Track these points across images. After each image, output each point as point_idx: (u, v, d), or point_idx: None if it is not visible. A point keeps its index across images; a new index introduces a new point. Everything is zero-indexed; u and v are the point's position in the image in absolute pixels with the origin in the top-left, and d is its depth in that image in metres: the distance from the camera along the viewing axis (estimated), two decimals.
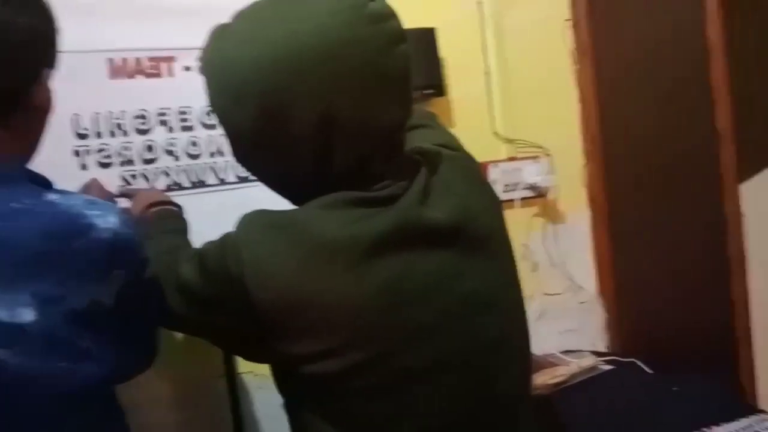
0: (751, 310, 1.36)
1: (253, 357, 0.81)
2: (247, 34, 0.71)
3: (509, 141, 1.64)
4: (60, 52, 0.75)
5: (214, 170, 1.27)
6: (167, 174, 1.23)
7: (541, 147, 1.68)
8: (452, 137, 0.99)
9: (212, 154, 1.27)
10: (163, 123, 1.23)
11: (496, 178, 1.61)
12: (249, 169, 0.82)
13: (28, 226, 0.64)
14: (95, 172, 1.17)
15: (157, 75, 1.23)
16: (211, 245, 0.76)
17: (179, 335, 1.23)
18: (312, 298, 0.69)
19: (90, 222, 0.67)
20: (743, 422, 1.21)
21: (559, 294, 1.71)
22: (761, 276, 1.37)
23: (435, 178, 0.78)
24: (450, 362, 0.74)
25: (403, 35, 0.73)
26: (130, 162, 1.20)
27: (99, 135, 1.18)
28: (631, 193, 1.66)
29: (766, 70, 1.41)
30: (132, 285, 0.71)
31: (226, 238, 0.74)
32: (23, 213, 0.65)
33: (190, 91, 1.23)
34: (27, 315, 0.62)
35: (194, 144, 1.26)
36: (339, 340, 0.70)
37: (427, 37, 1.47)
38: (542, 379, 1.41)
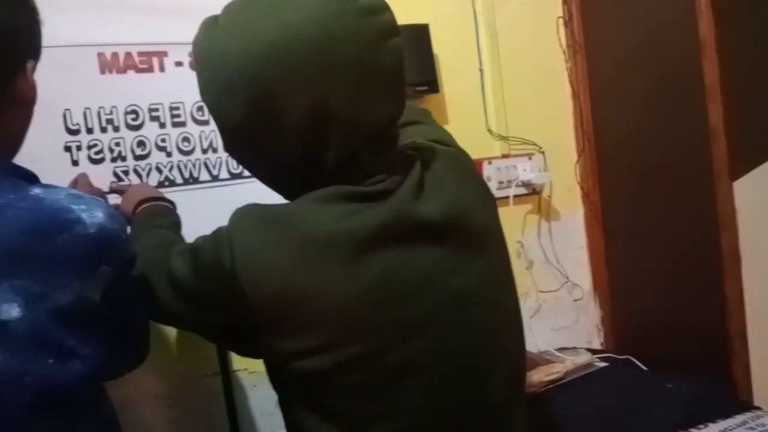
0: (746, 306, 1.37)
1: (245, 352, 0.81)
2: (238, 26, 0.70)
3: (503, 138, 1.64)
4: (43, 44, 0.75)
5: (206, 166, 1.26)
6: (159, 170, 1.22)
7: (534, 144, 1.68)
8: (446, 133, 0.98)
9: (205, 150, 1.26)
10: (155, 118, 1.22)
11: (490, 175, 1.61)
12: (240, 161, 0.81)
13: (11, 221, 0.63)
14: (86, 168, 1.16)
15: (149, 70, 1.22)
16: (203, 240, 0.76)
17: (173, 332, 1.22)
18: (305, 293, 0.69)
19: (76, 217, 0.66)
20: (738, 419, 1.21)
21: (554, 291, 1.70)
22: (755, 273, 1.37)
23: (429, 173, 0.78)
24: (442, 359, 0.74)
25: (395, 28, 0.73)
26: (121, 158, 1.19)
27: (90, 131, 1.17)
28: (624, 190, 1.66)
29: (758, 67, 1.41)
30: (120, 281, 0.70)
31: (218, 233, 0.73)
32: (6, 208, 0.64)
33: (182, 86, 1.22)
34: (12, 311, 0.61)
35: (186, 140, 1.25)
36: (331, 335, 0.70)
37: (420, 33, 1.47)
38: (537, 376, 1.41)
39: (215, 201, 1.25)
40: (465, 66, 1.61)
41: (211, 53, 0.72)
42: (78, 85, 1.16)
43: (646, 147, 1.57)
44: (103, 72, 1.18)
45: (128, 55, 1.20)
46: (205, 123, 1.26)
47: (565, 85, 1.74)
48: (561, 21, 1.72)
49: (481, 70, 1.63)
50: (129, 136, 1.20)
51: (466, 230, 0.77)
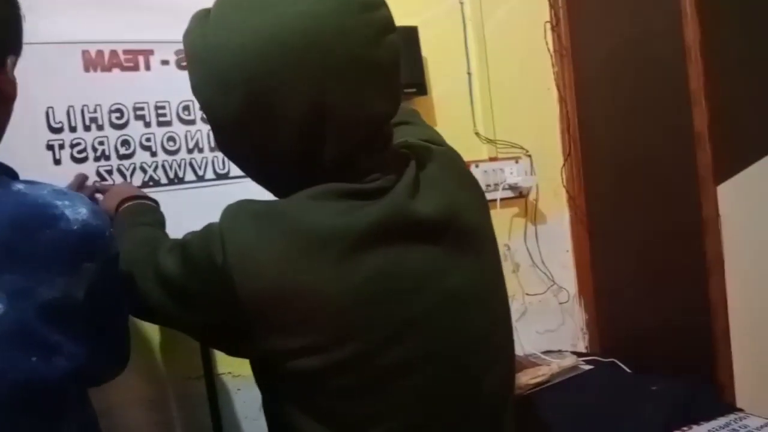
0: (729, 309, 1.38)
1: (234, 351, 0.79)
2: (233, 20, 0.68)
3: (490, 141, 1.64)
4: (27, 41, 0.73)
5: (192, 166, 1.25)
6: (144, 170, 1.20)
7: (521, 147, 1.68)
8: (436, 133, 0.98)
9: (190, 150, 1.25)
10: (140, 117, 1.20)
11: (478, 178, 1.59)
12: (233, 158, 0.80)
13: None
14: (69, 167, 1.14)
15: (134, 68, 1.20)
16: (193, 235, 0.74)
17: (156, 334, 1.20)
18: (299, 290, 0.67)
19: (60, 212, 0.65)
20: (721, 421, 1.22)
21: (540, 294, 1.71)
22: (738, 276, 1.39)
23: (424, 172, 0.77)
24: (434, 359, 0.73)
25: (392, 25, 0.72)
26: (105, 157, 1.17)
27: (73, 129, 1.15)
28: (610, 194, 1.67)
29: (743, 73, 1.43)
30: (104, 279, 0.69)
31: (210, 228, 0.72)
32: None
33: (168, 85, 1.21)
34: None
35: (172, 139, 1.23)
36: (325, 334, 0.69)
37: (409, 35, 1.47)
38: (523, 379, 1.41)
39: (201, 201, 1.23)
40: (453, 69, 1.61)
41: (204, 48, 0.70)
42: (61, 82, 1.14)
43: (631, 151, 1.59)
44: (87, 70, 1.16)
45: (113, 53, 1.18)
46: (191, 123, 1.25)
47: (552, 89, 1.75)
48: (548, 26, 1.73)
49: (469, 74, 1.63)
50: (113, 135, 1.18)
51: (461, 229, 0.77)
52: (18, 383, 0.60)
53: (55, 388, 0.63)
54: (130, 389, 1.17)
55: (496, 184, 1.64)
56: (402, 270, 0.71)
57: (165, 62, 1.22)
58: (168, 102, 1.23)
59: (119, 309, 0.77)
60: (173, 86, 1.21)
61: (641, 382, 1.41)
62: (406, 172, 0.75)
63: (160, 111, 1.22)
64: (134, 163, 1.19)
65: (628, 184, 1.61)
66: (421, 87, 1.50)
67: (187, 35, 0.73)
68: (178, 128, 1.24)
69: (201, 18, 0.72)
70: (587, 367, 1.55)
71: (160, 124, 1.22)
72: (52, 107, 1.13)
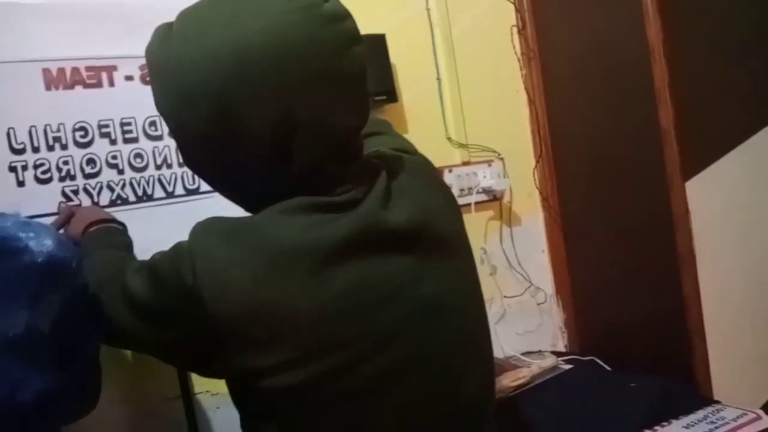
0: (703, 303, 1.40)
1: (208, 373, 0.78)
2: (196, 34, 0.68)
3: (462, 146, 1.65)
4: None
5: (161, 183, 1.23)
6: (111, 188, 1.18)
7: (493, 151, 1.69)
8: (408, 143, 0.99)
9: (159, 166, 1.23)
10: (105, 135, 1.18)
11: (451, 182, 1.61)
12: (200, 174, 0.78)
13: None
14: (33, 189, 1.11)
15: (97, 85, 1.17)
16: (162, 255, 0.72)
17: (130, 355, 1.17)
18: (271, 306, 0.67)
19: (24, 245, 0.63)
20: (700, 414, 1.24)
21: (517, 296, 1.72)
22: (710, 270, 1.41)
23: (395, 182, 0.77)
24: (412, 368, 0.73)
25: (358, 37, 0.72)
26: (70, 177, 1.14)
27: (36, 149, 1.12)
28: (582, 194, 1.69)
29: (706, 70, 1.46)
30: (70, 310, 0.67)
31: (179, 247, 0.71)
32: None
33: (133, 101, 1.19)
34: None
35: (139, 156, 1.21)
36: (300, 350, 0.68)
37: (377, 43, 1.47)
38: (505, 382, 1.42)
39: (171, 218, 1.21)
40: (422, 75, 1.62)
41: (167, 63, 0.69)
42: (22, 102, 1.11)
43: (600, 151, 1.61)
44: (48, 88, 1.13)
45: (75, 70, 1.15)
46: (159, 138, 1.23)
47: (521, 92, 1.77)
48: (515, 29, 1.75)
49: (438, 79, 1.63)
50: (78, 154, 1.15)
51: (433, 237, 0.77)
52: None
53: (19, 422, 0.61)
54: (105, 411, 1.13)
55: (470, 188, 1.64)
56: (376, 281, 0.71)
57: (129, 78, 1.20)
58: (134, 118, 1.20)
59: (89, 339, 0.75)
60: (138, 102, 1.19)
61: (620, 379, 1.42)
62: (377, 182, 0.75)
63: (125, 128, 1.20)
64: (101, 182, 1.17)
65: (599, 183, 1.63)
66: (391, 94, 1.50)
67: (150, 50, 0.72)
68: (145, 144, 1.21)
69: (163, 32, 0.71)
70: (567, 366, 1.56)
71: (126, 141, 1.20)
72: (13, 128, 1.10)
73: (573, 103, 1.67)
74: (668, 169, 1.41)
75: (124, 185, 1.19)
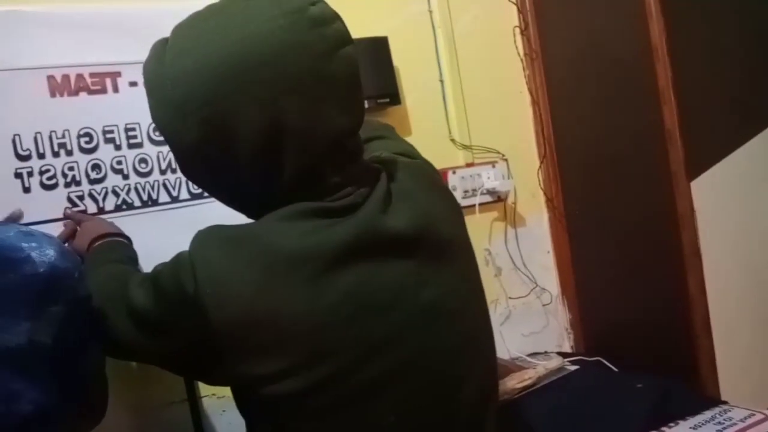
0: (709, 303, 1.40)
1: (211, 380, 0.78)
2: (186, 47, 0.69)
3: (466, 147, 1.65)
4: None
5: (166, 187, 1.23)
6: (116, 193, 1.18)
7: (497, 152, 1.69)
8: (410, 146, 0.98)
9: (163, 171, 1.23)
10: (110, 141, 1.19)
11: (455, 184, 1.61)
12: (198, 183, 0.79)
13: None
14: (39, 195, 1.12)
15: (102, 91, 1.18)
16: (163, 266, 0.73)
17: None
18: (272, 313, 0.67)
19: (25, 255, 0.63)
20: (707, 414, 1.23)
21: (523, 297, 1.71)
22: (715, 269, 1.41)
23: (395, 186, 0.77)
24: (413, 372, 0.73)
25: (347, 39, 0.72)
26: (76, 182, 1.15)
27: (41, 156, 1.13)
28: (587, 194, 1.69)
29: (709, 69, 1.46)
30: (73, 322, 0.67)
31: (179, 257, 0.71)
32: None
33: (137, 106, 1.18)
34: None
35: (144, 161, 1.22)
36: (302, 356, 0.68)
37: (379, 45, 1.47)
38: (511, 383, 1.41)
39: (176, 223, 1.21)
40: (425, 77, 1.62)
41: (160, 75, 0.70)
42: (27, 109, 1.12)
43: (605, 150, 1.60)
44: (53, 95, 1.14)
45: (80, 76, 1.16)
46: (163, 143, 1.22)
47: (524, 92, 1.76)
48: (517, 30, 1.74)
49: (441, 81, 1.63)
50: (83, 160, 1.16)
51: (434, 241, 0.77)
52: None
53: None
54: (111, 415, 1.14)
55: (474, 190, 1.64)
56: (376, 286, 0.71)
57: (133, 84, 1.20)
58: (138, 123, 1.21)
59: (91, 353, 0.75)
60: (143, 108, 1.16)
61: (626, 380, 1.41)
62: (378, 186, 0.75)
63: (130, 133, 1.20)
64: (106, 187, 1.17)
65: (604, 183, 1.62)
66: (394, 97, 1.50)
67: (146, 64, 0.74)
68: (149, 149, 1.22)
69: (159, 47, 0.72)
70: (573, 367, 1.55)
71: (131, 146, 1.20)
72: (18, 134, 1.11)
73: (576, 103, 1.67)
74: (673, 169, 1.40)
75: (129, 190, 1.20)
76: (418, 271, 0.74)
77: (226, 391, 1.21)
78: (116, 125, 1.19)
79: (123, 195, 1.19)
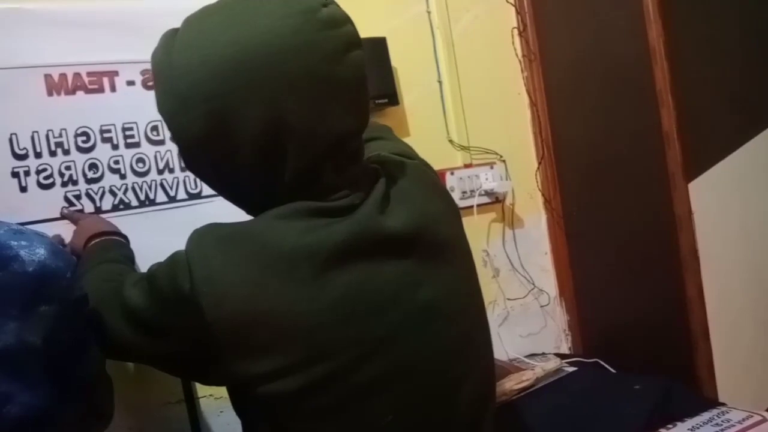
0: (707, 304, 1.40)
1: (207, 381, 0.78)
2: (194, 39, 0.69)
3: (464, 148, 1.65)
4: None
5: (163, 187, 1.23)
6: (113, 193, 1.18)
7: (495, 153, 1.69)
8: (408, 147, 0.98)
9: (160, 171, 1.23)
10: (107, 140, 1.18)
11: (453, 185, 1.61)
12: (198, 175, 0.79)
13: None
14: (36, 194, 1.11)
15: (99, 90, 1.18)
16: (158, 266, 0.73)
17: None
18: (268, 312, 0.66)
19: (14, 254, 0.62)
20: (705, 416, 1.23)
21: (520, 298, 1.71)
22: (713, 271, 1.41)
23: (393, 186, 0.77)
24: (411, 373, 0.73)
25: (357, 41, 0.72)
26: (73, 182, 1.15)
27: (38, 155, 1.12)
28: (584, 195, 1.69)
29: (707, 72, 1.46)
30: (66, 323, 0.66)
31: (175, 256, 0.71)
32: None
33: (134, 106, 1.19)
34: None
35: (141, 161, 1.21)
36: (298, 355, 0.67)
37: (378, 46, 1.46)
38: (508, 384, 1.41)
39: (173, 222, 1.20)
40: (424, 78, 1.61)
41: (168, 66, 0.70)
42: (24, 108, 1.11)
43: (603, 152, 1.60)
44: (50, 94, 1.13)
45: (77, 75, 1.15)
46: (161, 143, 1.23)
47: (523, 94, 1.76)
48: (516, 31, 1.74)
49: (439, 82, 1.63)
50: (80, 159, 1.15)
51: (432, 242, 0.77)
52: None
53: None
54: None
55: (472, 191, 1.64)
56: (373, 286, 0.71)
57: (131, 83, 1.20)
58: (135, 123, 1.20)
59: (92, 354, 0.74)
60: (140, 107, 1.20)
61: (624, 381, 1.41)
62: (376, 187, 0.75)
63: (127, 132, 1.20)
64: (103, 187, 1.17)
65: (602, 185, 1.62)
66: (392, 97, 1.49)
67: (154, 54, 0.73)
68: (147, 149, 1.22)
69: (168, 37, 0.72)
70: (571, 368, 1.55)
71: (128, 145, 1.20)
72: (15, 133, 1.10)
73: (574, 104, 1.67)
74: (671, 171, 1.40)
75: (126, 190, 1.19)
76: (415, 271, 0.74)
77: (224, 392, 1.21)
78: (113, 124, 1.18)
79: (120, 195, 1.19)
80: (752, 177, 1.52)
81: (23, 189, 1.11)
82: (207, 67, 0.66)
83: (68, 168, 1.14)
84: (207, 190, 1.23)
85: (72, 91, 1.15)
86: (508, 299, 1.69)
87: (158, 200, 1.22)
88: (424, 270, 0.75)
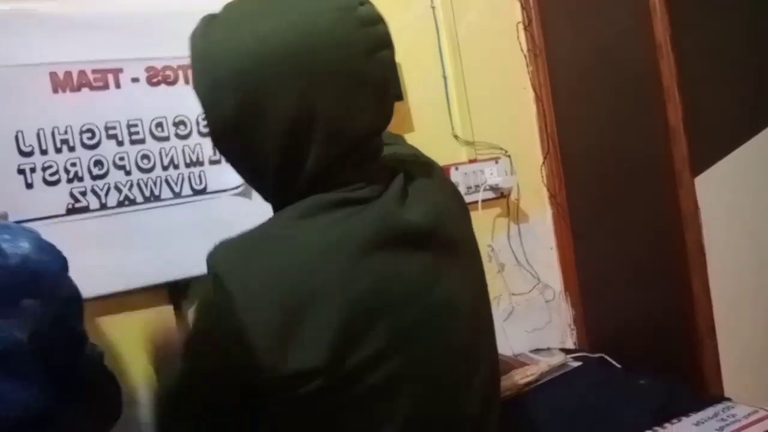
0: (713, 300, 1.39)
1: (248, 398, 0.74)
2: (235, 25, 0.70)
3: (469, 143, 1.65)
4: None
5: (168, 183, 1.23)
6: (119, 189, 1.19)
7: (500, 148, 1.69)
8: (419, 152, 0.99)
9: (165, 167, 1.23)
10: (112, 137, 1.19)
11: (458, 180, 1.61)
12: (225, 156, 0.80)
13: None
14: (42, 191, 1.12)
15: (104, 87, 1.18)
16: (195, 330, 0.71)
17: (133, 356, 1.17)
18: (306, 307, 0.66)
19: None
20: (710, 411, 1.23)
21: (525, 293, 1.71)
22: (720, 266, 1.40)
23: (411, 182, 0.78)
24: (422, 371, 0.73)
25: (388, 41, 0.74)
26: (78, 178, 1.15)
27: (44, 152, 1.13)
28: (590, 190, 1.68)
29: (714, 67, 1.45)
30: (54, 321, 0.64)
31: (204, 303, 0.71)
32: None
33: (139, 102, 1.20)
34: None
35: (146, 157, 1.22)
36: (332, 351, 0.67)
37: None
38: (514, 379, 1.41)
39: (178, 218, 1.21)
40: (429, 74, 1.61)
41: (204, 49, 0.72)
42: (30, 105, 1.12)
43: (608, 147, 1.60)
44: (56, 91, 1.14)
45: (82, 72, 1.16)
46: (165, 139, 1.23)
47: (528, 89, 1.76)
48: (521, 26, 1.74)
49: (444, 77, 1.63)
50: (85, 156, 1.16)
51: (448, 239, 0.78)
52: None
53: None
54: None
55: (477, 186, 1.64)
56: (401, 278, 0.71)
57: (135, 80, 1.20)
58: (140, 120, 1.21)
59: (86, 355, 0.73)
60: (145, 103, 1.20)
61: (630, 376, 1.41)
62: (394, 182, 0.76)
63: (132, 129, 1.20)
64: (108, 183, 1.18)
65: (607, 180, 1.62)
66: (397, 93, 1.49)
67: (192, 36, 0.74)
68: (151, 145, 1.22)
69: (208, 20, 0.73)
70: (576, 363, 1.55)
71: (133, 142, 1.20)
72: (21, 131, 1.11)
73: (580, 99, 1.66)
74: (677, 166, 1.40)
75: (131, 186, 1.20)
76: (433, 266, 0.74)
77: None
78: (118, 121, 1.19)
79: (125, 191, 1.19)
80: (759, 172, 1.51)
81: (29, 186, 1.11)
82: (242, 53, 0.68)
83: (74, 165, 1.15)
84: (212, 185, 1.24)
85: (77, 89, 1.16)
86: (513, 294, 1.69)
87: (163, 196, 1.22)
88: (440, 267, 0.75)
